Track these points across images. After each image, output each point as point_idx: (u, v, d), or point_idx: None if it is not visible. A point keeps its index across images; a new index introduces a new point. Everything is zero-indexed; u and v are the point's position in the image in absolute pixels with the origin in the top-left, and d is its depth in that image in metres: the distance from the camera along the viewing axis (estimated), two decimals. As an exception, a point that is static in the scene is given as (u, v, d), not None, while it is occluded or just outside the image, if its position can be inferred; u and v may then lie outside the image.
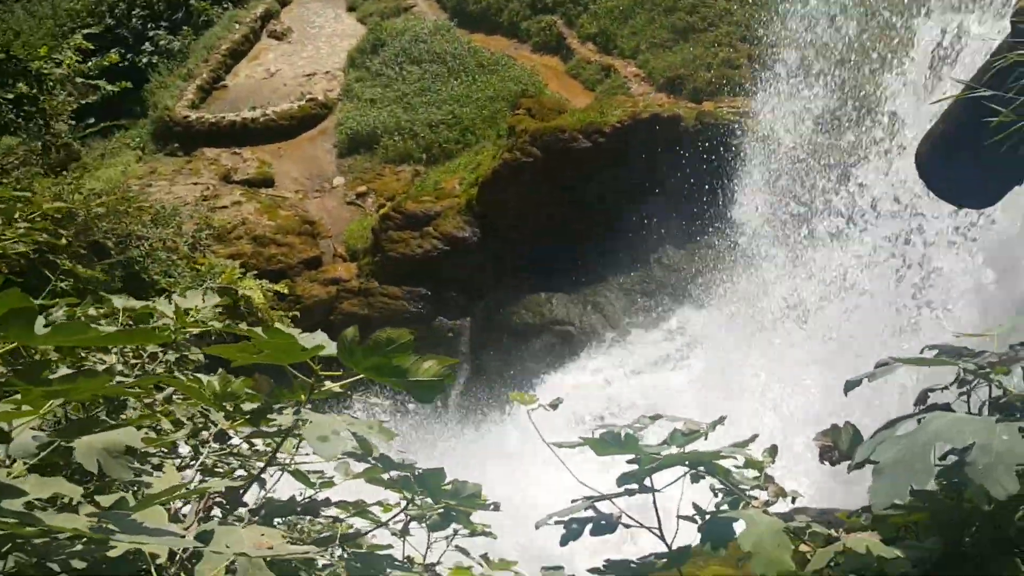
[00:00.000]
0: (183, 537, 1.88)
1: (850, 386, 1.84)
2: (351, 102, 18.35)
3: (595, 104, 14.15)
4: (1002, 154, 1.92)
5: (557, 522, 2.32)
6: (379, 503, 2.92)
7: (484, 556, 3.01)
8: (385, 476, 2.58)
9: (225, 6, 21.91)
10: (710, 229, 13.04)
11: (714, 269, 12.83)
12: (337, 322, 13.76)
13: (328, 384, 2.31)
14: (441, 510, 2.74)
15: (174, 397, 2.81)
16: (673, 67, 15.34)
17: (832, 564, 1.99)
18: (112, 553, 1.90)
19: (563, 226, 13.37)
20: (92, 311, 3.05)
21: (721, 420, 2.24)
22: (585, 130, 13.19)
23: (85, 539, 1.84)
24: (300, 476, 2.87)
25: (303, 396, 2.33)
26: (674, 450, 2.10)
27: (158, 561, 2.11)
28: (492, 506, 2.71)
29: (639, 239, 13.18)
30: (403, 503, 2.78)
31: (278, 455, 2.88)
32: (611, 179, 13.19)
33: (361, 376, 2.25)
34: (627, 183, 13.20)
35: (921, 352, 1.84)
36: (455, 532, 2.96)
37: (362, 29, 20.93)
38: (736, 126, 13.18)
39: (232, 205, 14.82)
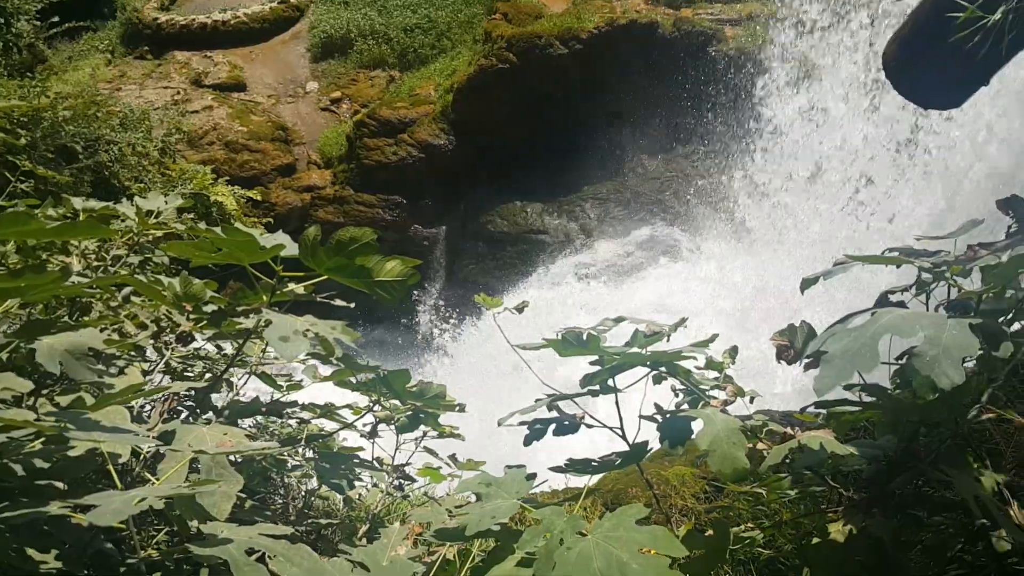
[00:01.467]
0: (140, 436, 1.87)
1: (806, 284, 1.84)
2: (324, 4, 17.76)
3: (572, 9, 13.79)
4: (967, 54, 1.89)
5: (520, 422, 2.34)
6: (348, 406, 2.94)
7: (452, 456, 3.06)
8: (353, 380, 2.59)
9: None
10: (687, 139, 12.98)
11: (688, 178, 12.82)
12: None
13: (291, 285, 2.28)
14: (410, 412, 2.77)
15: (137, 300, 2.78)
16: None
17: (787, 460, 2.04)
18: (72, 452, 1.90)
19: (539, 134, 13.20)
20: (52, 212, 2.98)
21: (683, 322, 2.24)
22: (562, 36, 12.89)
23: (43, 438, 1.83)
24: (267, 379, 2.87)
25: (265, 298, 2.30)
26: (636, 351, 2.11)
27: (120, 461, 2.12)
28: (458, 407, 2.73)
29: (614, 148, 13.08)
30: (372, 405, 2.80)
31: (248, 359, 2.88)
32: (588, 86, 12.98)
33: (324, 278, 2.23)
34: (603, 91, 13.01)
35: (882, 254, 1.84)
36: (424, 434, 3.00)
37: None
38: (713, 33, 12.95)
39: (203, 110, 14.46)
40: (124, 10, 17.68)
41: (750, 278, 10.51)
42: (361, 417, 2.89)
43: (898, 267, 1.91)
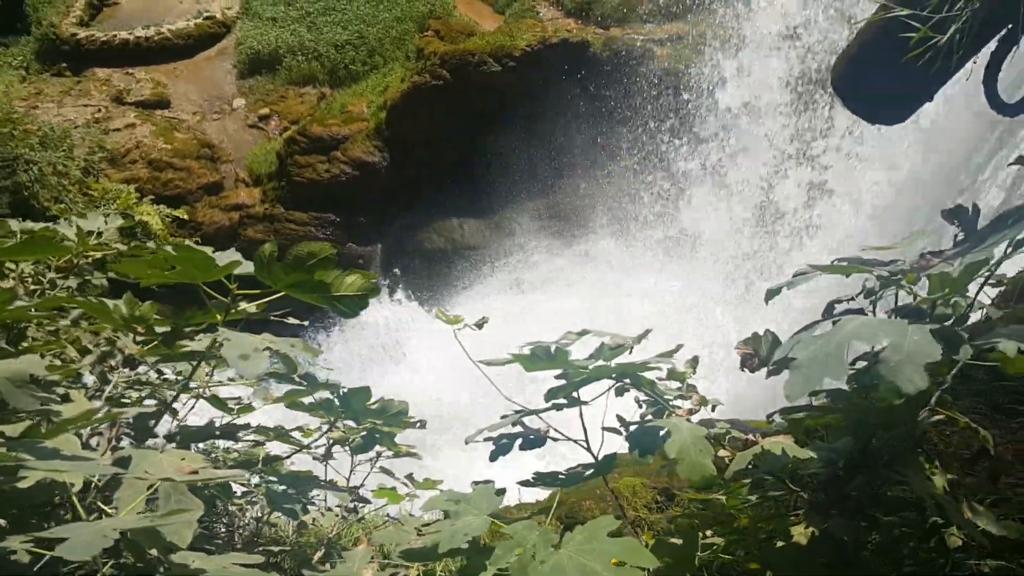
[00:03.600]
0: (100, 464, 1.80)
1: (771, 295, 1.89)
2: (251, 20, 17.51)
3: (505, 27, 13.90)
4: (913, 72, 1.97)
5: (486, 439, 2.33)
6: (299, 428, 2.88)
7: (409, 476, 3.02)
8: (307, 400, 2.54)
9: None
10: (619, 154, 13.17)
11: (621, 193, 13.02)
12: (241, 250, 13.36)
13: (243, 304, 2.23)
14: (364, 432, 2.72)
15: (81, 322, 2.69)
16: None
17: (750, 466, 2.08)
18: (23, 484, 1.82)
19: (474, 151, 13.23)
20: (-16, 234, 2.86)
21: (646, 333, 2.27)
22: (495, 53, 12.98)
23: (-6, 467, 1.75)
24: (217, 402, 2.79)
25: (219, 317, 2.24)
26: (603, 363, 2.12)
27: (75, 490, 2.03)
28: (418, 424, 2.71)
29: (549, 164, 13.20)
30: (325, 427, 2.74)
31: (194, 382, 2.80)
32: (522, 103, 13.08)
33: (280, 295, 2.18)
34: (537, 107, 13.13)
35: (832, 263, 1.90)
36: (379, 455, 2.95)
37: (263, -54, 19.85)
38: (643, 52, 13.21)
39: (126, 128, 14.06)
40: (40, 25, 17.10)
41: (680, 288, 10.74)
42: (316, 440, 2.84)
43: (847, 277, 1.96)
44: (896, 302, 2.00)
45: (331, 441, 2.80)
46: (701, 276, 10.75)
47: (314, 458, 2.85)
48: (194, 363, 2.42)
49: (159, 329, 2.40)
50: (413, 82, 13.29)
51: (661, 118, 12.68)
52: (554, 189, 13.19)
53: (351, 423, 2.64)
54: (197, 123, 15.31)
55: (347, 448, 2.79)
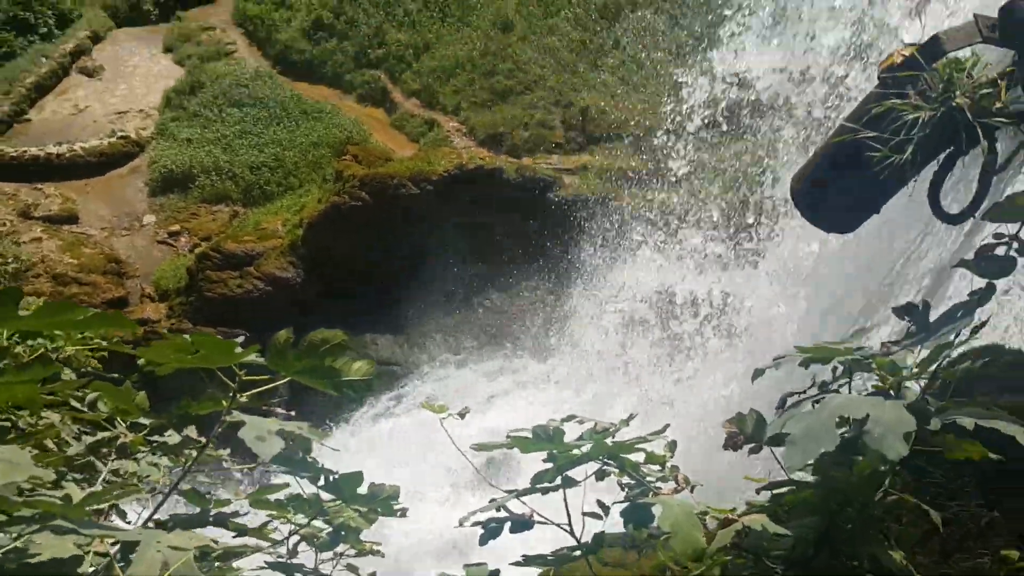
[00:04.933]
0: (129, 532, 1.83)
1: (757, 374, 2.11)
2: (166, 141, 17.57)
3: (422, 154, 14.45)
4: (867, 187, 2.31)
5: (475, 523, 2.42)
6: (263, 526, 2.87)
7: (372, 575, 3.03)
8: (275, 498, 2.58)
9: (31, 39, 20.44)
10: (530, 274, 13.63)
11: (534, 311, 13.41)
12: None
13: (242, 397, 2.30)
14: (330, 529, 2.76)
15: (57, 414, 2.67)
16: (493, 124, 15.93)
17: (731, 544, 2.24)
18: (35, 560, 1.82)
19: (389, 268, 13.44)
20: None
21: (631, 417, 2.45)
22: (414, 177, 13.42)
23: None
24: (194, 497, 2.78)
25: (225, 403, 2.30)
26: (592, 445, 2.27)
27: (88, 568, 2.02)
28: (400, 512, 2.76)
29: (463, 283, 13.52)
30: (307, 521, 2.76)
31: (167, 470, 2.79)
32: (438, 224, 13.46)
33: (286, 380, 2.27)
34: (453, 229, 13.53)
35: (806, 349, 2.14)
36: (341, 554, 2.96)
37: (180, 71, 20.16)
38: (553, 180, 13.93)
39: (31, 242, 13.70)
40: (-56, 140, 16.72)
41: (593, 400, 11.08)
42: (283, 541, 2.84)
43: (825, 364, 2.21)
44: (849, 390, 2.27)
45: (298, 538, 2.81)
46: (620, 388, 11.06)
47: (278, 556, 2.84)
48: (191, 450, 2.45)
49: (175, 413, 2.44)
50: (332, 202, 13.53)
51: (572, 241, 13.27)
52: (469, 305, 13.46)
53: (318, 522, 2.67)
54: (105, 239, 15.04)
55: (312, 546, 2.79)
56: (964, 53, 2.06)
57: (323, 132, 17.16)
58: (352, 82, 19.26)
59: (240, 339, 2.30)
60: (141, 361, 2.27)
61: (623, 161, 13.78)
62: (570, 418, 2.48)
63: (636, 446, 2.29)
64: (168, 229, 15.83)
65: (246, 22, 22.28)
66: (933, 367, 2.04)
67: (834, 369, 2.22)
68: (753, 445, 2.22)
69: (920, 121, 2.05)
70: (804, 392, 2.32)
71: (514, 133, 15.38)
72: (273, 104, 18.11)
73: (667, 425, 2.41)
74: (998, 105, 2.02)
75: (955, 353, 2.15)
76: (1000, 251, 2.14)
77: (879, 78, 2.21)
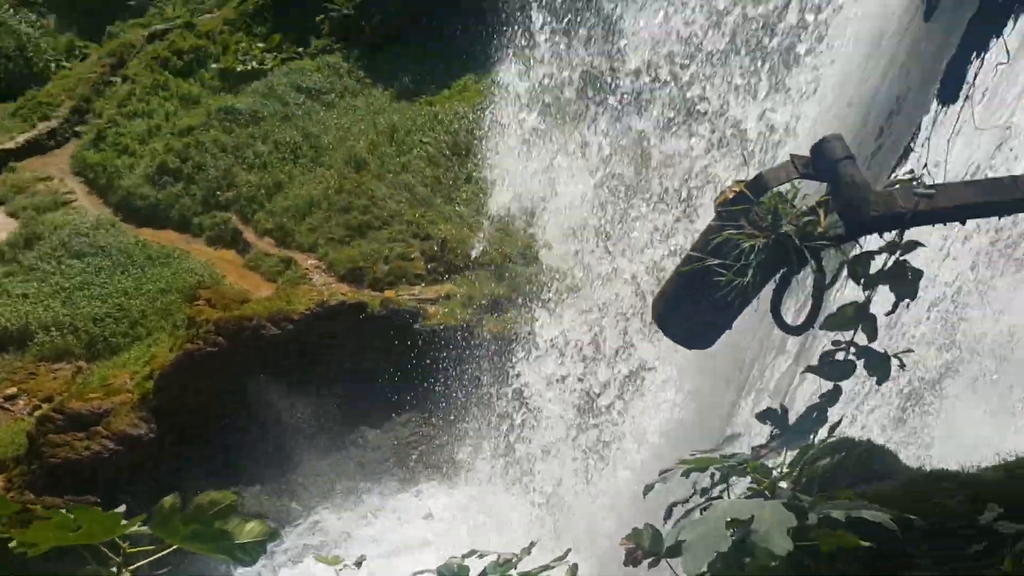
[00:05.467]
0: None
1: (648, 489, 2.23)
2: (0, 298, 16.57)
3: (280, 293, 14.28)
4: (718, 306, 2.54)
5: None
6: None
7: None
8: None
9: None
10: (403, 409, 13.50)
11: (409, 445, 13.23)
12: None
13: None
14: None
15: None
16: (353, 259, 16.02)
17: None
18: None
19: (251, 413, 12.97)
20: None
21: (531, 546, 2.50)
22: (273, 317, 13.21)
23: None
24: None
25: (109, 579, 2.20)
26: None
27: None
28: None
29: (332, 422, 13.20)
30: None
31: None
32: (301, 363, 13.22)
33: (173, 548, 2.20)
34: (317, 366, 13.31)
35: (688, 460, 2.29)
36: None
37: (14, 223, 19.30)
38: (417, 311, 14.06)
39: None
40: None
41: (472, 530, 10.93)
42: None
43: (703, 471, 2.36)
44: (728, 494, 2.43)
45: None
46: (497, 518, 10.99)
47: None
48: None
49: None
50: (185, 350, 13.07)
51: (442, 370, 13.32)
52: (341, 444, 13.11)
53: None
54: (-70, 407, 13.80)
55: None
56: (786, 187, 2.36)
57: (172, 278, 16.69)
58: (201, 225, 19.00)
59: (122, 508, 2.23)
60: (12, 544, 2.13)
61: (486, 288, 14.11)
62: (471, 553, 2.51)
63: (539, 575, 2.35)
64: (3, 392, 14.73)
65: (86, 170, 21.76)
66: (799, 466, 2.22)
67: (712, 476, 2.37)
68: (652, 559, 2.32)
69: (756, 247, 2.31)
70: (687, 501, 2.47)
71: (375, 267, 15.52)
72: (116, 252, 17.53)
73: (568, 550, 2.48)
74: (820, 230, 2.32)
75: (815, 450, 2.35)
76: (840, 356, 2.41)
77: (716, 212, 2.48)
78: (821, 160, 2.37)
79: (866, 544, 2.00)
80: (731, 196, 2.38)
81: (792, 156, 2.39)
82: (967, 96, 4.28)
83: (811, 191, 2.46)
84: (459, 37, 19.06)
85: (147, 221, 19.43)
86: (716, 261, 2.37)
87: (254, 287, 16.07)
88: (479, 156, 16.64)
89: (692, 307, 2.56)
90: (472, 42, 18.14)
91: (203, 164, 19.60)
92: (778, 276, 2.38)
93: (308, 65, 21.48)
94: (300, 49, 21.94)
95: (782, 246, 2.28)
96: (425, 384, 13.37)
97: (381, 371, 13.37)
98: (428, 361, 13.44)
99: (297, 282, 15.84)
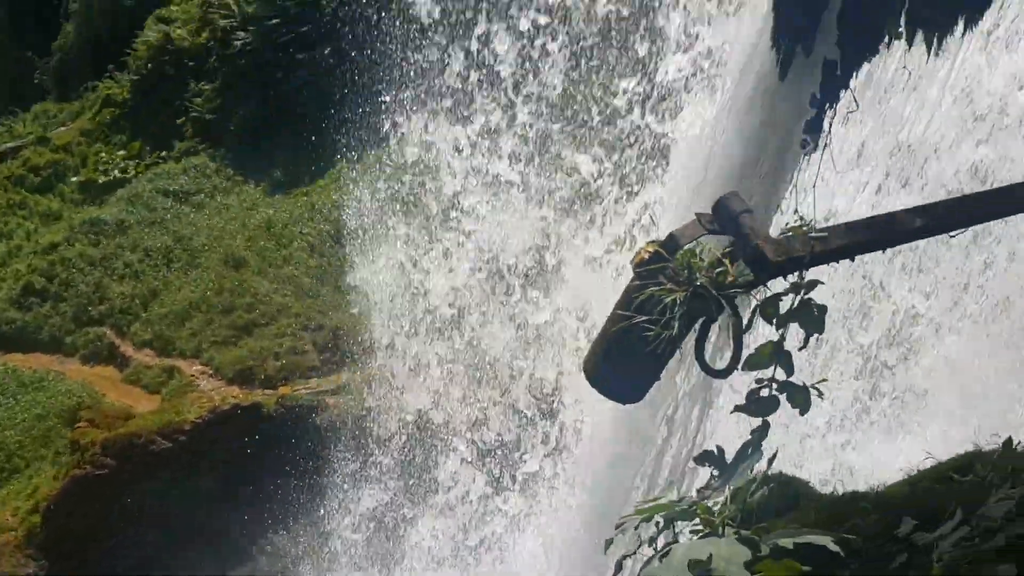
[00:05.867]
0: None
1: (609, 544, 2.31)
2: None
3: (168, 404, 13.74)
4: (647, 359, 2.69)
5: None
6: None
7: None
8: None
9: None
10: (307, 509, 13.08)
11: (315, 549, 12.81)
12: None
13: None
14: None
15: None
16: (241, 360, 15.56)
17: None
18: None
19: (149, 533, 12.29)
20: None
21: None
22: (163, 430, 12.70)
23: None
24: None
25: None
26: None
27: None
28: None
29: (237, 530, 12.67)
30: None
31: None
32: (197, 473, 12.68)
33: None
34: (215, 474, 12.80)
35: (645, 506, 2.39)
36: None
37: None
38: (316, 405, 13.78)
39: None
40: None
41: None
42: None
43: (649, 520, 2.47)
44: (675, 536, 2.54)
45: None
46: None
47: None
48: None
49: None
50: (72, 476, 12.35)
51: (346, 462, 13.05)
52: (247, 555, 12.55)
53: None
54: None
55: None
56: (698, 242, 2.56)
57: (48, 402, 15.77)
58: (74, 343, 18.08)
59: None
60: None
61: (381, 371, 13.99)
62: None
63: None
64: None
65: (-60, 300, 20.43)
66: (741, 502, 2.35)
67: (657, 523, 2.48)
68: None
69: (677, 301, 2.47)
70: (636, 551, 2.56)
71: (265, 365, 15.11)
72: (-16, 382, 16.48)
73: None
74: (731, 279, 2.51)
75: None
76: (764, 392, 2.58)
77: (634, 272, 2.65)
78: (723, 216, 2.58)
79: (807, 569, 2.13)
80: (647, 256, 2.54)
81: (698, 214, 2.59)
82: (826, 144, 4.68)
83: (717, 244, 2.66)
84: (329, 126, 19.18)
85: (15, 346, 18.36)
86: (642, 317, 2.51)
87: (137, 402, 15.34)
88: (357, 244, 16.69)
89: (623, 362, 2.69)
90: (343, 130, 18.31)
91: (71, 280, 18.76)
92: (699, 325, 2.54)
93: (173, 168, 21.03)
94: (163, 153, 21.48)
95: (700, 297, 2.45)
96: (328, 479, 13.04)
97: (282, 471, 12.95)
98: (330, 455, 13.15)
99: (184, 391, 15.22)
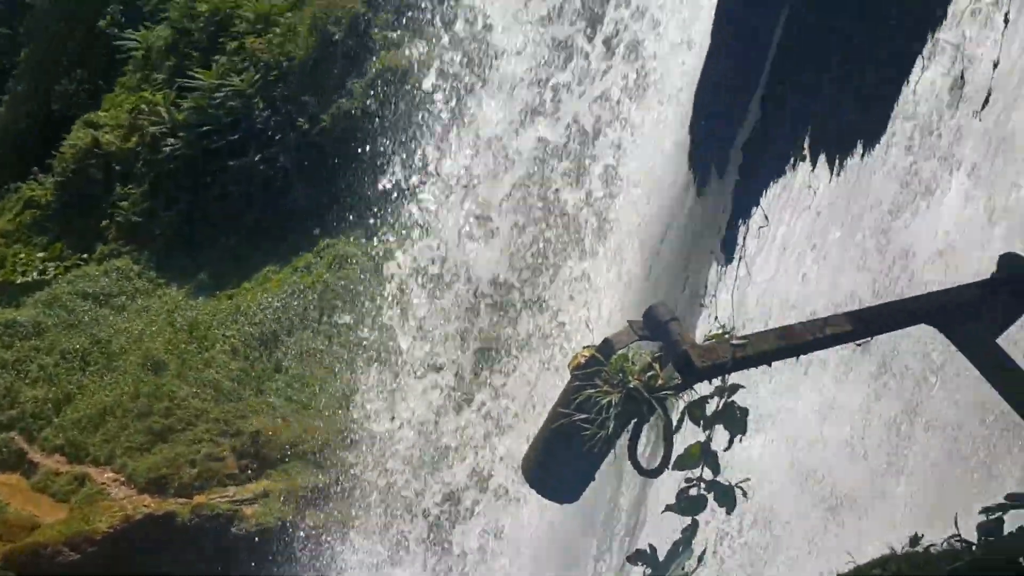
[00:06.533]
0: None
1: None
2: None
3: (77, 513, 13.11)
4: (583, 458, 2.83)
5: None
6: None
7: None
8: None
9: None
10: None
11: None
12: None
13: None
14: None
15: None
16: (155, 467, 15.00)
17: None
18: None
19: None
20: None
21: None
22: (71, 541, 12.11)
23: None
24: None
25: None
26: None
27: None
28: None
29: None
30: None
31: None
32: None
33: None
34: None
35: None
36: None
37: None
38: (233, 513, 13.35)
39: None
40: None
41: None
42: None
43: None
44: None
45: None
46: None
47: None
48: None
49: None
50: (-33, 598, 11.55)
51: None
52: None
53: None
54: None
55: None
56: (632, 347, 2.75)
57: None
58: (-22, 451, 17.18)
59: None
60: None
61: (304, 479, 13.69)
62: None
63: None
64: None
65: None
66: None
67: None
68: None
69: (611, 402, 2.64)
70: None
71: (181, 472, 14.61)
72: None
73: None
74: (661, 382, 2.70)
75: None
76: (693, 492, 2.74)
77: (571, 375, 2.82)
78: (652, 323, 2.79)
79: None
80: (583, 360, 2.72)
81: (630, 322, 2.79)
82: (740, 256, 5.02)
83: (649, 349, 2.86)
84: (256, 230, 19.20)
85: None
86: (580, 416, 2.67)
87: (45, 511, 14.55)
88: (286, 345, 16.54)
89: (560, 462, 2.83)
90: (270, 233, 18.40)
91: (-21, 384, 17.97)
92: (632, 426, 2.71)
93: (95, 271, 20.60)
94: (85, 255, 21.08)
95: (633, 399, 2.63)
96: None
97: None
98: (248, 568, 12.67)
99: (94, 499, 14.56)
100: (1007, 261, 3.24)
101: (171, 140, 19.91)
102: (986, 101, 4.39)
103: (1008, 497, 2.75)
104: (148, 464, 15.04)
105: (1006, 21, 4.28)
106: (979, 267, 3.62)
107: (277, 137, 18.46)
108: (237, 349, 16.92)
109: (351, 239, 16.91)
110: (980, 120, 4.55)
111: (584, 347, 2.77)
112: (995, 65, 4.30)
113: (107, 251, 21.36)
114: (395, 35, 16.93)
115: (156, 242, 20.83)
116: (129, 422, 16.20)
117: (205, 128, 19.20)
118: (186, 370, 16.71)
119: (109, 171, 21.45)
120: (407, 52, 16.30)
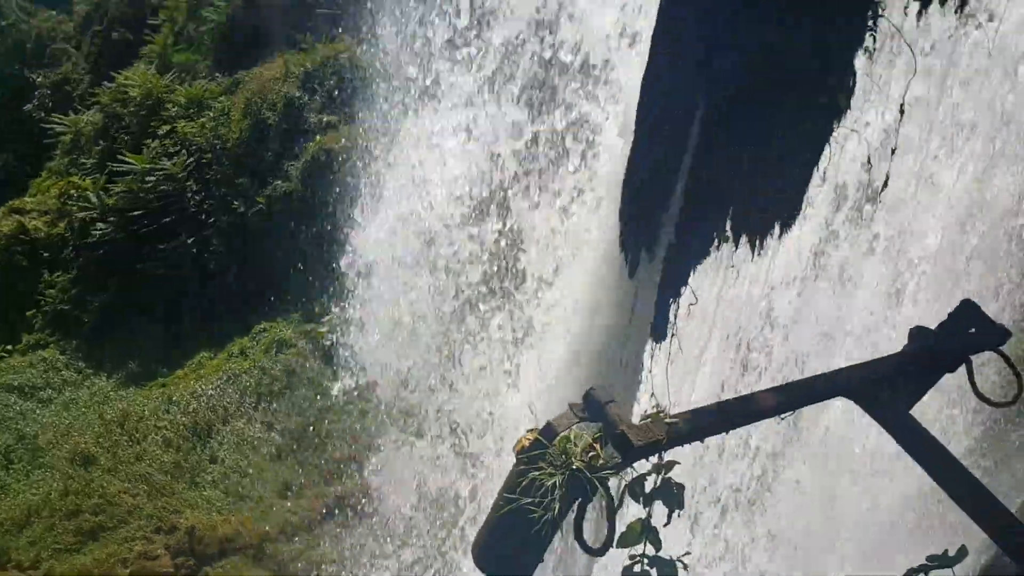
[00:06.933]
0: None
1: None
2: None
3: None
4: (531, 539, 2.93)
5: None
6: None
7: None
8: None
9: None
10: None
11: None
12: None
13: None
14: None
15: None
16: (85, 568, 14.41)
17: None
18: None
19: None
20: None
21: None
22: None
23: None
24: None
25: None
26: None
27: None
28: None
29: None
30: None
31: None
32: None
33: None
34: None
35: None
36: None
37: None
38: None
39: None
40: None
41: None
42: None
43: None
44: None
45: None
46: None
47: None
48: None
49: None
50: None
51: None
52: None
53: None
54: None
55: None
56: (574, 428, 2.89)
57: None
58: None
59: None
60: None
61: (245, 571, 13.27)
62: None
63: None
64: None
65: None
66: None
67: None
68: None
69: (556, 484, 2.76)
70: None
71: (114, 573, 14.02)
72: None
73: None
74: (602, 462, 2.83)
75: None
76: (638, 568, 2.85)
77: (516, 458, 2.93)
78: (591, 405, 2.93)
79: None
80: (527, 444, 2.84)
81: (570, 405, 2.93)
82: (673, 333, 5.24)
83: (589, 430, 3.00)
84: (189, 315, 18.91)
85: None
86: (526, 500, 2.78)
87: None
88: (222, 434, 16.18)
89: (508, 544, 2.92)
90: (203, 318, 18.15)
91: None
92: (576, 506, 2.82)
93: (19, 363, 19.95)
94: (9, 347, 20.43)
95: (576, 479, 2.75)
96: None
97: None
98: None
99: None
100: (917, 334, 3.50)
101: (100, 225, 19.63)
102: (884, 184, 4.75)
103: (929, 558, 2.93)
104: (77, 566, 14.39)
105: (901, 112, 4.67)
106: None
107: (210, 220, 18.39)
108: (170, 440, 16.46)
109: (289, 321, 16.81)
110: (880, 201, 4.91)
111: (528, 430, 2.89)
112: (892, 152, 4.68)
113: (33, 341, 20.74)
114: (330, 118, 17.22)
115: (84, 330, 20.31)
116: (56, 522, 15.51)
117: (136, 212, 19.01)
118: (117, 464, 16.16)
119: (36, 258, 20.98)
120: (341, 134, 16.61)
